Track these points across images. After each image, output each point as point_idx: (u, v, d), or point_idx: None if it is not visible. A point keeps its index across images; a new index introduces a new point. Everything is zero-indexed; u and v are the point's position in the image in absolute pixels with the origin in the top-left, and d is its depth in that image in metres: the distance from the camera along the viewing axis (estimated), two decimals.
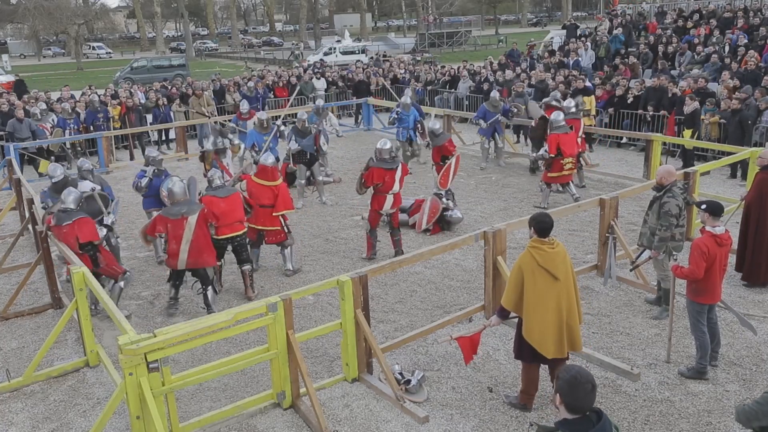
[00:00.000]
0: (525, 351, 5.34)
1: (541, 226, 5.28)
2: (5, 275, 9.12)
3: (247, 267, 8.10)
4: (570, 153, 10.80)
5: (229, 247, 8.09)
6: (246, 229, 8.17)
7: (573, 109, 12.07)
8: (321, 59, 35.51)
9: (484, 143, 13.79)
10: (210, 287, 7.51)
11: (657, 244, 6.80)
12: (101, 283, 6.89)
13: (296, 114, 12.91)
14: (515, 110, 13.82)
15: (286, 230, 8.64)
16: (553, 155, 10.73)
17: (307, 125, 11.80)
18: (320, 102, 14.24)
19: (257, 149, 11.70)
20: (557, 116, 11.09)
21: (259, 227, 8.50)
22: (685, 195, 7.14)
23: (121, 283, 7.52)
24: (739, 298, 7.47)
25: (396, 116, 13.79)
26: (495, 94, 13.85)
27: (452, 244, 7.11)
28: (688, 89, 13.94)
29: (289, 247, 8.74)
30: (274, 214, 8.43)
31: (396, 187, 8.91)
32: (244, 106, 14.26)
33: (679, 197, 6.79)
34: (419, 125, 13.59)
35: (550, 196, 11.14)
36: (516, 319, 5.47)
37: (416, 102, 15.42)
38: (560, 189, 11.28)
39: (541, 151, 11.14)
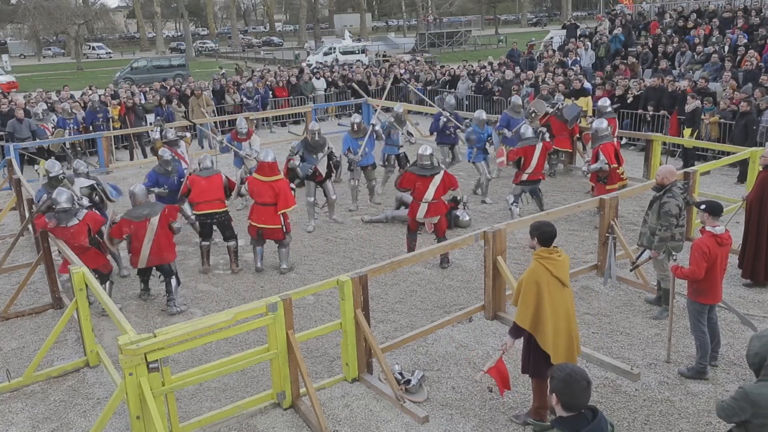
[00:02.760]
0: (535, 365, 5.12)
1: (546, 235, 5.01)
2: (5, 275, 9.12)
3: (232, 243, 8.94)
4: (623, 160, 9.92)
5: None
6: (227, 208, 8.92)
7: (608, 109, 11.37)
8: (330, 61, 35.21)
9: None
10: (173, 277, 7.82)
11: (657, 244, 6.80)
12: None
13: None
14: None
15: (285, 229, 8.75)
16: (614, 165, 9.57)
17: (317, 138, 10.52)
18: (399, 109, 12.57)
19: (353, 152, 11.11)
20: (600, 124, 9.97)
21: (260, 225, 8.66)
22: (685, 195, 7.14)
23: (107, 284, 7.79)
24: (739, 298, 7.47)
25: (468, 133, 11.65)
26: (517, 99, 12.66)
27: (452, 244, 7.12)
28: (689, 89, 13.95)
29: (286, 247, 8.88)
30: (278, 212, 8.60)
31: (429, 195, 8.57)
32: (242, 125, 11.74)
33: (679, 197, 6.78)
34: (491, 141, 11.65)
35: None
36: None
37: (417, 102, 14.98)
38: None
39: (599, 164, 9.59)
